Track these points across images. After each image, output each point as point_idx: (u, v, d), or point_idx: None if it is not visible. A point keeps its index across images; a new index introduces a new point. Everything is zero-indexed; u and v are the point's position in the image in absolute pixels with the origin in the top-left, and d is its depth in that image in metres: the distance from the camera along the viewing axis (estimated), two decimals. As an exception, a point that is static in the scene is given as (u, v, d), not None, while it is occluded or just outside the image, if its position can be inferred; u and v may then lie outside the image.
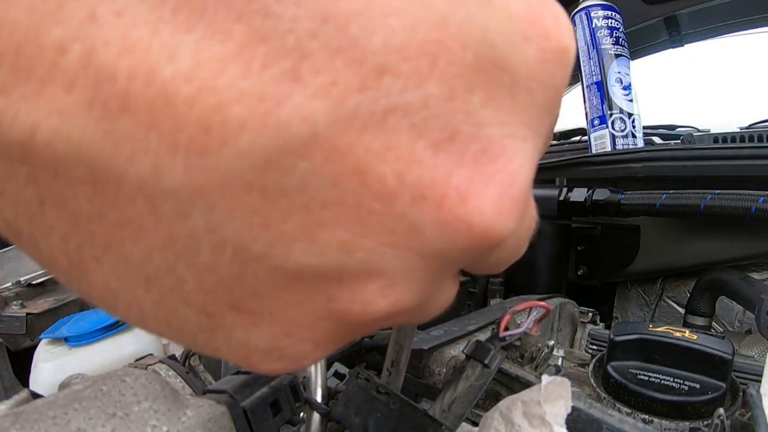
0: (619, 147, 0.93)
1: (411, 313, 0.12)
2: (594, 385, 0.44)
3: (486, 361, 0.34)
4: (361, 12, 0.08)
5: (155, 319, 0.10)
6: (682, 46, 1.25)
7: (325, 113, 0.08)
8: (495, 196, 0.10)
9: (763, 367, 0.39)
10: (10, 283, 0.75)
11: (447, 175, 0.09)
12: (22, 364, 0.57)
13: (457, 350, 0.49)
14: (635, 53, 1.16)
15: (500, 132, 0.10)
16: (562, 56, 0.11)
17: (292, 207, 0.08)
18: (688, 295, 0.79)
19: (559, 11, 0.11)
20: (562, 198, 0.81)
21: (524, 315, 0.39)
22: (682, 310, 0.84)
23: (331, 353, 0.12)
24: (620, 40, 0.97)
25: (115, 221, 0.08)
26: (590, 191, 0.78)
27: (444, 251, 0.10)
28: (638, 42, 1.22)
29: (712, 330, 0.78)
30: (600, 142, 0.95)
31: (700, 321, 0.75)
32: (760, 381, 0.37)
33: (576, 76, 1.02)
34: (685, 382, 0.39)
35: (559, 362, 0.44)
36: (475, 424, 0.37)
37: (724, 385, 0.39)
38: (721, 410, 0.35)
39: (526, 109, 0.11)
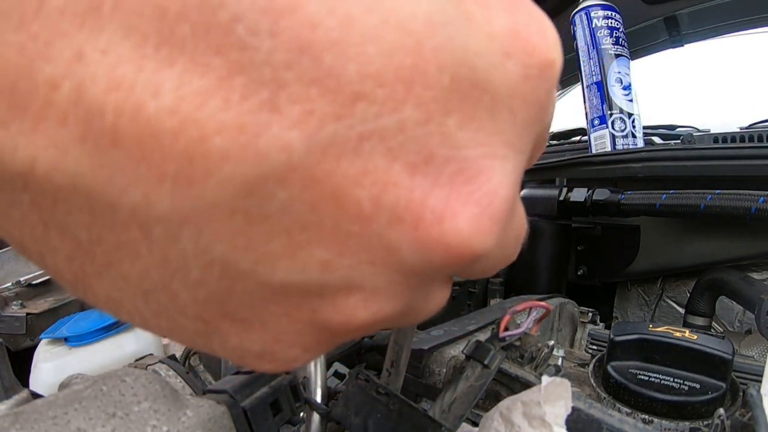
0: (619, 147, 0.93)
1: (397, 319, 0.12)
2: (594, 385, 0.44)
3: (486, 362, 0.34)
4: (336, 41, 0.08)
5: (156, 325, 0.11)
6: (682, 46, 1.25)
7: (302, 142, 0.08)
8: (472, 215, 0.10)
9: (763, 367, 0.39)
10: (10, 283, 0.75)
11: (423, 196, 0.10)
12: (22, 364, 0.57)
13: (457, 350, 0.49)
14: (635, 53, 1.16)
15: (478, 152, 0.10)
16: (547, 71, 0.11)
17: (273, 230, 0.09)
18: (688, 295, 0.79)
19: (546, 24, 0.11)
20: (562, 198, 0.81)
21: (524, 315, 0.39)
22: (682, 310, 0.84)
23: (321, 355, 0.12)
24: (620, 40, 0.97)
25: (112, 244, 0.09)
26: (590, 191, 0.78)
27: (423, 268, 0.11)
28: (638, 42, 1.22)
29: (712, 330, 0.78)
30: (600, 142, 0.95)
31: (700, 321, 0.75)
32: (760, 381, 0.37)
33: (576, 76, 1.02)
34: (685, 382, 0.39)
35: (559, 362, 0.44)
36: (476, 424, 0.37)
37: (724, 385, 0.39)
38: (721, 410, 0.35)
39: (507, 128, 0.11)
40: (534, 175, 1.02)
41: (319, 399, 0.38)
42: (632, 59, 1.00)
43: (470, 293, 0.89)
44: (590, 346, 0.57)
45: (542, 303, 0.39)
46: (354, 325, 0.11)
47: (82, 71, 0.07)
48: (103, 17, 0.07)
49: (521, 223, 0.14)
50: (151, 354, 0.51)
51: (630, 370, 0.41)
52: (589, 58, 0.97)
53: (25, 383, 0.57)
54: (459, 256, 0.10)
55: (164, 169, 0.08)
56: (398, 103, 0.09)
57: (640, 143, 0.95)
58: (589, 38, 0.97)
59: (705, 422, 0.38)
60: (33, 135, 0.08)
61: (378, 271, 0.10)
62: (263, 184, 0.08)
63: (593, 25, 0.97)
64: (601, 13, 0.97)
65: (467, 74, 0.10)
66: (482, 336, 0.51)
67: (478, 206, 0.10)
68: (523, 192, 0.90)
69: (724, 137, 0.90)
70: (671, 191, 0.68)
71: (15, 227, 0.09)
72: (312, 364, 0.39)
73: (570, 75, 1.38)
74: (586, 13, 0.98)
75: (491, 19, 0.10)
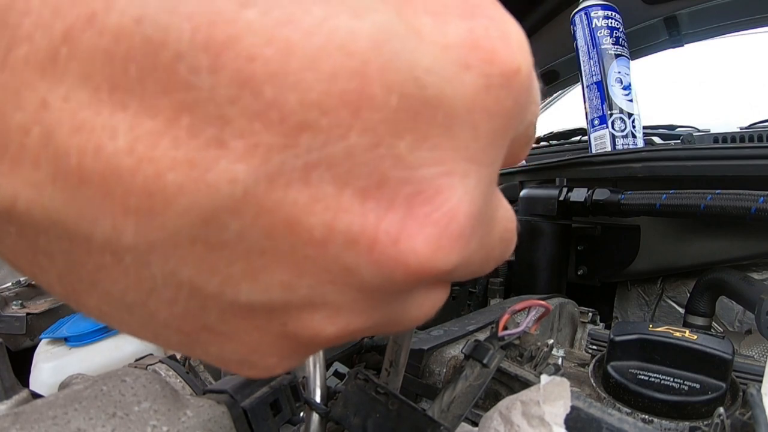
0: (619, 147, 0.93)
1: (376, 330, 0.12)
2: (594, 385, 0.44)
3: (485, 361, 0.34)
4: (275, 72, 0.08)
5: (143, 335, 0.11)
6: (682, 46, 1.25)
7: (249, 175, 0.08)
8: (431, 235, 0.10)
9: (763, 367, 0.39)
10: (10, 283, 0.75)
11: (377, 220, 0.10)
12: (22, 364, 0.57)
13: (457, 350, 0.49)
14: (635, 53, 1.16)
15: (434, 172, 0.10)
16: (512, 78, 0.10)
17: (233, 255, 0.09)
18: (688, 295, 0.79)
19: (509, 27, 0.11)
20: (562, 198, 0.81)
21: (523, 314, 0.39)
22: (682, 310, 0.84)
23: (302, 362, 0.12)
24: (620, 40, 0.97)
25: (93, 268, 0.10)
26: (590, 191, 0.78)
27: (385, 286, 0.11)
28: (638, 42, 1.22)
29: (712, 330, 0.78)
30: (600, 142, 0.95)
31: (700, 321, 0.75)
32: (760, 381, 0.37)
33: (576, 76, 1.02)
34: (685, 382, 0.39)
35: (559, 362, 0.44)
36: (475, 424, 0.37)
37: (724, 385, 0.39)
38: (721, 410, 0.35)
39: (469, 143, 0.10)
40: (534, 175, 1.02)
41: (318, 399, 0.38)
42: (632, 59, 1.00)
43: (470, 293, 0.89)
44: (590, 346, 0.57)
45: (541, 302, 0.39)
46: (324, 338, 0.11)
47: (48, 117, 0.08)
48: (60, 66, 0.08)
49: (505, 224, 0.13)
50: (151, 354, 0.51)
51: (630, 370, 0.41)
52: (589, 58, 0.97)
53: (25, 383, 0.57)
54: (422, 273, 0.10)
55: (127, 203, 0.08)
56: (344, 129, 0.09)
57: (640, 143, 0.95)
58: (589, 38, 0.97)
59: (705, 422, 0.38)
60: (11, 176, 0.08)
61: (338, 289, 0.10)
62: (217, 215, 0.09)
63: (593, 25, 0.97)
64: (601, 13, 0.97)
65: (417, 92, 0.09)
66: (482, 336, 0.51)
67: (436, 226, 0.10)
68: (523, 192, 0.90)
69: (724, 137, 0.90)
70: (671, 191, 0.68)
71: (9, 252, 0.10)
72: (311, 364, 0.39)
73: (570, 75, 1.38)
74: (586, 13, 0.98)
75: (445, 28, 0.10)
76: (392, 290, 0.11)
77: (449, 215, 0.10)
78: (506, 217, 0.13)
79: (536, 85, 0.12)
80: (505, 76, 0.10)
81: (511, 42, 0.11)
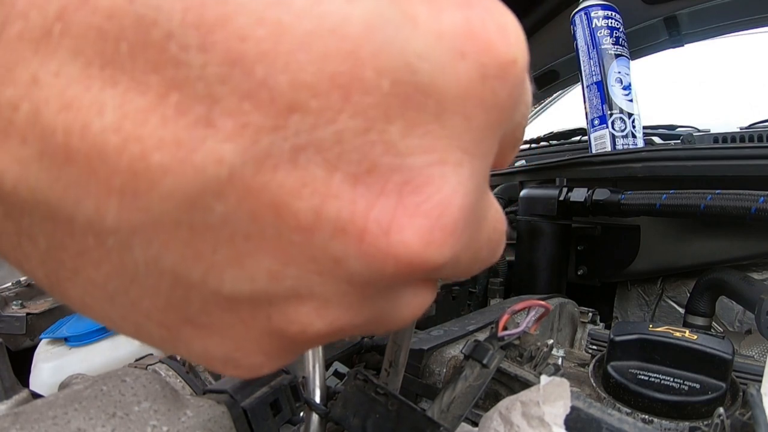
0: (619, 147, 0.93)
1: (365, 328, 0.12)
2: (594, 385, 0.44)
3: (484, 361, 0.34)
4: (266, 52, 0.08)
5: (125, 329, 0.11)
6: (682, 46, 1.25)
7: (237, 155, 0.08)
8: (422, 227, 0.10)
9: (763, 367, 0.39)
10: (10, 283, 0.75)
11: (367, 208, 0.09)
12: (22, 364, 0.57)
13: (457, 350, 0.49)
14: (635, 53, 1.16)
15: (425, 160, 0.10)
16: (508, 69, 0.10)
17: (218, 240, 0.09)
18: (688, 295, 0.79)
19: (506, 19, 0.11)
20: (562, 198, 0.81)
21: (523, 314, 0.39)
22: (682, 310, 0.84)
23: (289, 363, 0.12)
24: (620, 40, 0.97)
25: (75, 252, 0.09)
26: (590, 191, 0.78)
27: (375, 279, 0.10)
28: (638, 42, 1.22)
29: (712, 330, 0.78)
30: (600, 142, 0.95)
31: (700, 321, 0.75)
32: (760, 381, 0.37)
33: (576, 76, 1.02)
34: (685, 382, 0.39)
35: (559, 362, 0.44)
36: (475, 424, 0.37)
37: (724, 385, 0.39)
38: (721, 410, 0.35)
39: (461, 133, 0.10)
40: (534, 175, 1.02)
41: (318, 399, 0.38)
42: (632, 59, 1.00)
43: (470, 293, 0.89)
44: (590, 346, 0.57)
45: (541, 302, 0.39)
46: (311, 334, 0.11)
47: (38, 93, 0.08)
48: (53, 42, 0.08)
49: (495, 225, 0.13)
50: (151, 354, 0.51)
51: (630, 370, 0.41)
52: (589, 58, 0.97)
53: (25, 383, 0.57)
54: (412, 267, 0.10)
55: (111, 183, 0.08)
56: (335, 112, 0.09)
57: (640, 143, 0.95)
58: (589, 38, 0.97)
59: (705, 422, 0.38)
60: (0, 152, 0.08)
61: (326, 281, 0.10)
62: (203, 197, 0.09)
63: (593, 25, 0.97)
64: (601, 13, 0.97)
65: (409, 78, 0.09)
66: (482, 336, 0.51)
67: (427, 218, 0.10)
68: (523, 192, 0.90)
69: (724, 137, 0.90)
70: (671, 191, 0.68)
71: None
72: (311, 364, 0.39)
73: (570, 75, 1.38)
74: (586, 13, 0.98)
75: (440, 17, 0.10)
76: (381, 285, 0.11)
77: (441, 206, 0.10)
78: (496, 217, 0.13)
79: (528, 82, 0.12)
80: (501, 67, 0.10)
81: (508, 33, 0.10)
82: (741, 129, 1.03)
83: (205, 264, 0.09)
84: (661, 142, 1.07)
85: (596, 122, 0.96)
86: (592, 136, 0.97)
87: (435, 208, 0.10)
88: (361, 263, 0.10)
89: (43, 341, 0.64)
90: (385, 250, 0.10)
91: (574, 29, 1.00)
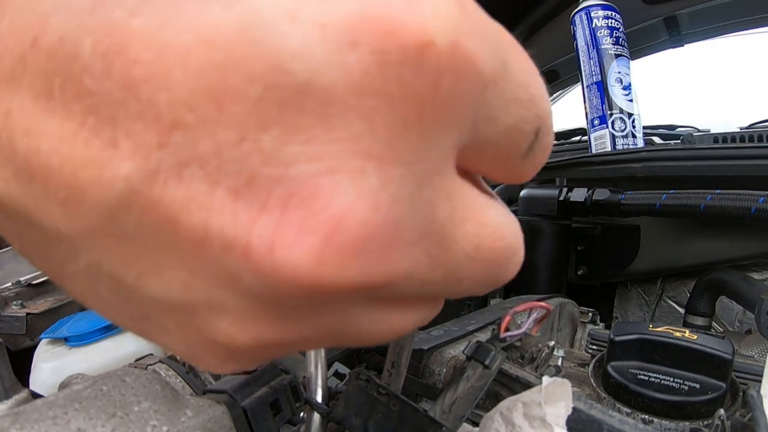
0: (619, 147, 0.93)
1: (314, 343, 0.12)
2: (594, 385, 0.44)
3: (486, 362, 0.34)
4: (150, 74, 0.09)
5: (108, 317, 0.12)
6: (682, 46, 1.25)
7: (133, 172, 0.09)
8: (312, 245, 0.09)
9: (763, 367, 0.39)
10: (10, 283, 0.74)
11: (249, 222, 0.09)
12: (22, 364, 0.57)
13: (457, 350, 0.49)
14: (635, 53, 1.15)
15: (311, 169, 0.09)
16: (421, 54, 0.09)
17: (138, 249, 0.10)
18: (688, 295, 0.79)
19: None
20: (562, 198, 0.81)
21: (524, 315, 0.39)
22: (682, 310, 0.84)
23: (250, 367, 0.13)
24: (620, 40, 0.97)
25: (49, 251, 0.11)
26: (590, 191, 0.78)
27: (279, 296, 0.10)
28: (638, 42, 1.22)
29: (712, 330, 0.78)
30: (600, 142, 0.95)
31: (700, 321, 0.75)
32: (760, 381, 0.37)
33: (576, 77, 1.02)
34: (685, 382, 0.39)
35: (559, 362, 0.44)
36: (476, 424, 0.37)
37: (724, 385, 0.39)
38: (721, 410, 0.35)
39: (360, 135, 0.09)
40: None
41: (319, 399, 0.38)
42: (632, 59, 1.00)
43: (470, 293, 0.89)
44: (590, 346, 0.57)
45: (543, 303, 0.39)
46: (239, 345, 0.11)
47: (10, 123, 0.09)
48: (16, 80, 0.09)
49: (478, 242, 0.11)
50: (151, 354, 0.51)
51: (630, 370, 0.41)
52: (589, 58, 0.97)
53: (25, 383, 0.57)
54: (309, 288, 0.09)
55: (57, 196, 0.09)
56: (213, 125, 0.09)
57: (640, 143, 0.95)
58: (589, 38, 0.97)
59: (705, 422, 0.38)
60: None
61: (231, 295, 0.10)
62: (117, 209, 0.09)
63: (593, 25, 0.97)
64: (601, 13, 0.97)
65: (281, 80, 0.08)
66: (482, 336, 0.51)
67: (315, 235, 0.09)
68: (523, 192, 0.90)
69: (724, 137, 0.90)
70: (671, 191, 0.68)
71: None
72: (313, 364, 0.39)
73: (570, 75, 1.38)
74: (586, 13, 0.98)
75: (330, 6, 0.09)
76: (302, 302, 0.10)
77: (333, 222, 0.09)
78: (479, 233, 0.11)
79: (515, 76, 0.11)
80: (406, 50, 0.09)
81: (422, 10, 0.09)
82: (741, 129, 1.03)
83: (135, 270, 0.10)
84: (661, 142, 1.07)
85: (596, 122, 0.96)
86: (592, 136, 0.97)
87: (324, 224, 0.09)
88: (254, 280, 0.09)
89: (43, 341, 0.64)
90: (271, 267, 0.09)
91: (574, 29, 1.00)
